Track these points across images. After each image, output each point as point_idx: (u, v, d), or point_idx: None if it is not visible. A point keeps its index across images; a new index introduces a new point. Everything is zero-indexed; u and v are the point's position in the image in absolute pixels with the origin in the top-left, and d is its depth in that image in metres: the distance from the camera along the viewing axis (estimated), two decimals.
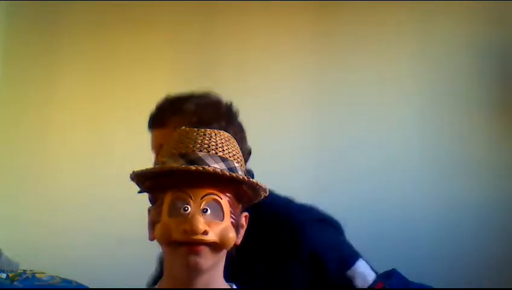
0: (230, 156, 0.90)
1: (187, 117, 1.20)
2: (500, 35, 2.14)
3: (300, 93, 2.21)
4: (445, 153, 2.08)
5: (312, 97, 2.20)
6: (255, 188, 0.93)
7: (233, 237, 0.86)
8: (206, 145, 0.88)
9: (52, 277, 1.80)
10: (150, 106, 2.28)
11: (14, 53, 2.36)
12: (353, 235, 2.07)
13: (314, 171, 2.12)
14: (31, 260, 1.91)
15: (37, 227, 2.08)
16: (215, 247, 0.84)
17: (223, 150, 0.89)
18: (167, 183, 0.86)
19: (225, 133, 0.93)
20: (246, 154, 1.24)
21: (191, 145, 0.88)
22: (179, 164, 0.85)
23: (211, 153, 0.87)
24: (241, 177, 0.88)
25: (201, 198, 0.84)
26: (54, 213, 2.10)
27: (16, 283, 1.81)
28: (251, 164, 2.21)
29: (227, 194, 0.87)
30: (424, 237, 1.99)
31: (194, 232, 0.81)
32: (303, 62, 2.24)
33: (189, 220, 0.82)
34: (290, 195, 2.13)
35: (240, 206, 0.92)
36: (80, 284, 1.79)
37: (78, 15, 2.37)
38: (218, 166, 0.86)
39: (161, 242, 0.86)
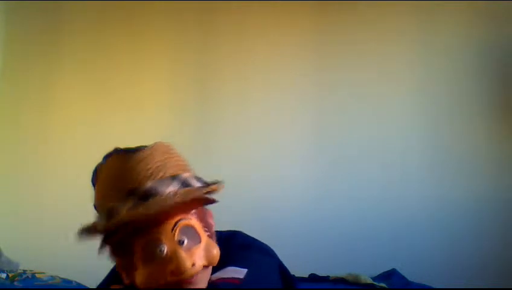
0: (177, 170, 0.81)
1: None
2: (500, 35, 2.14)
3: (301, 92, 2.21)
4: (445, 153, 2.08)
5: (312, 97, 2.20)
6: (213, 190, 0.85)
7: (217, 251, 0.81)
8: (149, 172, 0.78)
9: (52, 277, 1.80)
10: (150, 106, 2.30)
11: (14, 53, 2.36)
12: (353, 235, 2.08)
13: (314, 171, 2.11)
14: (31, 260, 1.92)
15: (37, 227, 2.08)
16: (205, 268, 0.80)
17: (168, 167, 0.80)
18: (129, 232, 0.76)
19: (158, 145, 0.84)
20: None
21: (135, 177, 0.77)
22: (129, 205, 0.75)
23: (158, 177, 0.78)
24: (203, 192, 0.80)
25: (172, 230, 0.77)
26: (54, 213, 2.10)
27: (16, 283, 1.81)
28: (251, 165, 2.21)
29: (193, 211, 0.82)
30: (424, 237, 1.99)
31: (182, 271, 0.75)
32: (303, 62, 2.24)
33: (172, 260, 0.75)
34: (290, 195, 2.14)
35: (204, 210, 0.86)
36: (80, 284, 1.79)
37: (78, 15, 2.37)
38: (172, 188, 0.78)
39: (146, 288, 0.78)
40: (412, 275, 1.83)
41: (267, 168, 2.13)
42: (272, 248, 1.03)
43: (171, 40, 2.33)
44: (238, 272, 0.90)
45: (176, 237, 0.77)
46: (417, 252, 1.96)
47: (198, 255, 0.78)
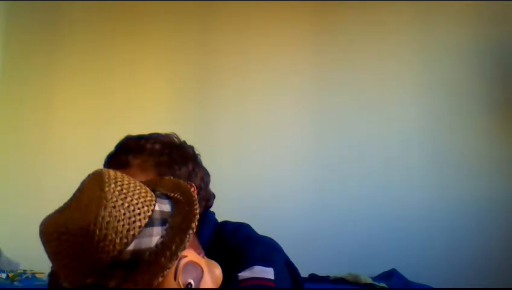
0: (146, 205, 0.72)
1: (153, 157, 1.08)
2: (500, 35, 2.14)
3: (301, 93, 2.21)
4: (445, 153, 2.08)
5: (312, 97, 2.20)
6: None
7: (219, 270, 0.77)
8: (124, 230, 0.68)
9: None
10: (150, 106, 2.30)
11: (14, 53, 2.36)
12: (353, 235, 2.08)
13: (314, 171, 2.11)
14: (31, 260, 1.92)
15: (37, 227, 2.08)
16: None
17: (140, 220, 0.69)
18: None
19: (106, 192, 0.70)
20: (213, 198, 1.17)
21: (112, 247, 0.67)
22: (117, 280, 0.66)
23: (136, 232, 0.69)
24: (193, 219, 0.72)
25: (175, 278, 0.70)
26: None
27: (16, 283, 1.82)
28: (251, 165, 2.22)
29: (188, 246, 0.73)
30: (424, 237, 1.99)
31: None
32: (303, 62, 2.24)
33: None
34: (290, 195, 2.14)
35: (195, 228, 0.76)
36: None
37: (78, 15, 2.37)
38: (156, 235, 0.70)
39: None
40: (412, 275, 1.83)
41: (267, 168, 2.13)
42: None
43: (171, 40, 2.33)
44: (266, 272, 0.91)
45: (182, 285, 0.70)
46: (417, 252, 1.96)
47: (208, 287, 0.74)
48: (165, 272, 0.67)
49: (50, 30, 2.36)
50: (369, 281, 1.73)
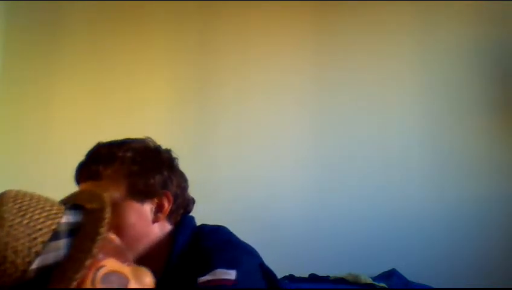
0: (47, 225, 0.67)
1: (125, 166, 1.05)
2: (500, 35, 2.14)
3: (301, 93, 2.21)
4: (445, 153, 2.08)
5: (312, 97, 2.20)
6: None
7: (149, 278, 0.74)
8: (27, 256, 0.64)
9: None
10: (150, 106, 2.30)
11: (14, 53, 2.36)
12: (353, 235, 2.08)
13: (314, 171, 2.11)
14: None
15: None
16: None
17: (43, 235, 0.66)
18: None
19: (14, 211, 0.67)
20: (192, 204, 1.15)
21: (14, 269, 0.64)
22: None
23: (39, 250, 0.65)
24: (101, 230, 0.69)
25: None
26: None
27: None
28: (251, 165, 2.22)
29: (105, 253, 0.70)
30: (424, 237, 1.99)
31: None
32: (303, 62, 2.24)
33: None
34: (289, 195, 2.14)
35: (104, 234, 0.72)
36: None
37: (78, 15, 2.37)
38: (63, 249, 0.66)
39: None
40: (412, 275, 1.83)
41: (267, 168, 2.13)
42: (270, 247, 1.04)
43: (171, 40, 2.32)
44: (227, 274, 0.90)
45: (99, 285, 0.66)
46: (417, 252, 1.96)
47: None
48: (74, 284, 0.63)
49: (50, 30, 2.36)
50: (369, 281, 1.73)
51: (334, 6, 2.25)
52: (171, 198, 1.07)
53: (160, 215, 1.06)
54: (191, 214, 1.15)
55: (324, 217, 2.04)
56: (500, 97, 2.09)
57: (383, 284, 1.72)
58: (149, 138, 1.14)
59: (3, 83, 2.32)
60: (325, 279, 1.76)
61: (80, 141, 2.22)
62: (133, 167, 1.05)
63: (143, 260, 0.97)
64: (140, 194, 1.05)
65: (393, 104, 2.16)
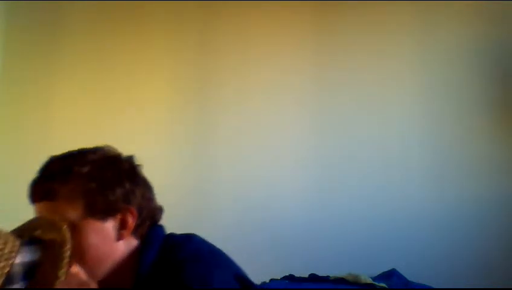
0: (8, 271, 0.63)
1: (82, 183, 0.97)
2: (500, 35, 2.14)
3: (301, 93, 2.21)
4: (445, 153, 2.08)
5: (312, 97, 2.20)
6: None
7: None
8: None
9: None
10: (150, 106, 2.30)
11: (14, 53, 2.36)
12: (353, 235, 2.08)
13: (314, 171, 2.11)
14: None
15: None
16: None
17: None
18: None
19: None
20: (159, 213, 1.07)
21: None
22: None
23: None
24: (65, 249, 0.67)
25: None
26: None
27: None
28: (251, 165, 2.22)
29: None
30: (424, 237, 1.99)
31: None
32: (303, 62, 2.24)
33: None
34: (289, 195, 2.14)
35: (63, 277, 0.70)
36: None
37: (78, 15, 2.37)
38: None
39: None
40: (412, 275, 1.83)
41: (267, 168, 2.13)
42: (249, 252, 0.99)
43: (171, 40, 2.32)
44: None
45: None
46: (417, 252, 1.96)
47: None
48: None
49: (50, 30, 2.36)
50: (369, 281, 1.73)
51: (334, 6, 2.25)
52: (135, 212, 1.00)
53: (124, 232, 0.99)
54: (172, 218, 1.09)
55: (324, 217, 2.04)
56: (500, 97, 2.09)
57: (383, 284, 1.72)
58: (108, 146, 1.07)
59: (3, 83, 2.32)
60: (325, 279, 1.76)
61: (80, 141, 2.23)
62: (91, 184, 0.98)
63: (110, 280, 0.95)
64: (101, 212, 0.97)
65: (393, 104, 2.16)
